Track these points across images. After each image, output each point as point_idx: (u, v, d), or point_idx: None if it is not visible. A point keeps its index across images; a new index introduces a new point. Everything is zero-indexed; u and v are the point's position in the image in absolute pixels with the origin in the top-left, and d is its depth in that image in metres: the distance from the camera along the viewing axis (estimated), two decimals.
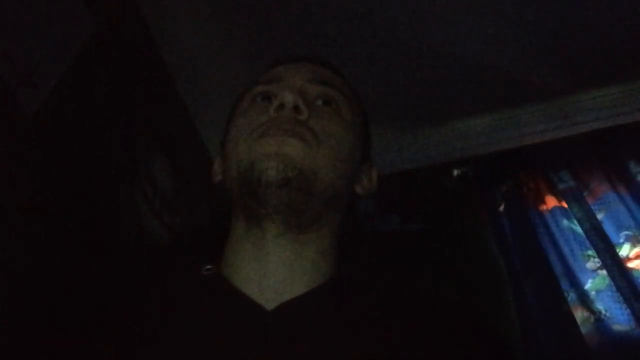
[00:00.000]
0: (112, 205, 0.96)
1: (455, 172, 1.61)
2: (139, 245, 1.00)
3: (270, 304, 0.57)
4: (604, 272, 1.37)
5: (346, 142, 0.63)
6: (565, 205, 1.50)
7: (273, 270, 0.59)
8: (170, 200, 1.15)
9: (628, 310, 1.32)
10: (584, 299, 1.38)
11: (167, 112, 1.28)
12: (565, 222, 1.49)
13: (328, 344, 0.54)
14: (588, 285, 1.40)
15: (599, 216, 1.45)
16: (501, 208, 1.56)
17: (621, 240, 1.43)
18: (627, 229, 1.43)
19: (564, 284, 1.40)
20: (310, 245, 0.61)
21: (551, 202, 1.53)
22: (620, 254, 1.39)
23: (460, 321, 0.60)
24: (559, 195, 1.52)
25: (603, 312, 1.36)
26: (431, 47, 1.37)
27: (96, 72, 0.99)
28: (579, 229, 1.45)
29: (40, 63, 0.84)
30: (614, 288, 1.35)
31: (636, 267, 1.39)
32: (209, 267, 0.62)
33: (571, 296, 1.39)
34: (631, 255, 1.41)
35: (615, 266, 1.35)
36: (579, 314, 1.36)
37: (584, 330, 1.33)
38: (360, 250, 0.71)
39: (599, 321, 1.35)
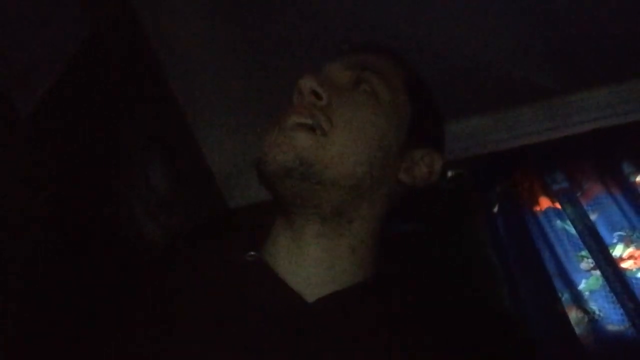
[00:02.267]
0: (108, 206, 0.96)
1: (450, 173, 1.61)
2: (136, 246, 1.00)
3: (310, 296, 0.57)
4: (598, 272, 1.38)
5: (375, 126, 0.60)
6: (558, 206, 1.50)
7: (307, 263, 0.60)
8: (167, 201, 1.15)
9: (622, 310, 1.33)
10: (578, 299, 1.39)
11: (164, 113, 1.28)
12: (558, 222, 1.49)
13: (366, 341, 0.54)
14: (582, 285, 1.41)
15: (593, 217, 1.46)
16: (495, 209, 1.57)
17: (614, 241, 1.44)
18: (620, 230, 1.44)
19: (558, 284, 1.40)
20: (341, 239, 0.61)
21: (545, 203, 1.53)
22: (613, 254, 1.40)
23: (466, 321, 0.61)
24: (552, 196, 1.52)
25: (597, 312, 1.36)
26: (426, 47, 1.38)
27: (92, 74, 0.99)
28: (572, 230, 1.45)
29: (35, 64, 0.84)
30: (607, 288, 1.36)
31: (629, 268, 1.39)
32: (252, 253, 0.62)
33: (565, 296, 1.39)
34: (624, 255, 1.42)
35: (609, 266, 1.36)
36: (573, 314, 1.37)
37: (578, 330, 1.33)
38: (394, 250, 0.70)
39: (593, 321, 1.36)
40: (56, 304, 0.75)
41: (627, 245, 1.42)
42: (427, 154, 0.67)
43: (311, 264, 0.59)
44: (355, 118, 0.59)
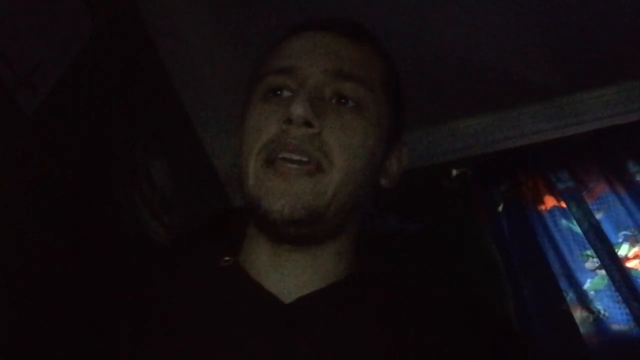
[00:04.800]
0: (111, 205, 0.96)
1: (454, 172, 1.61)
2: (137, 245, 1.00)
3: (287, 298, 0.57)
4: (603, 271, 1.37)
5: (366, 147, 0.58)
6: (564, 205, 1.50)
7: (289, 269, 0.59)
8: (169, 201, 1.15)
9: (627, 310, 1.32)
10: (583, 299, 1.39)
11: (166, 112, 1.28)
12: (564, 221, 1.49)
13: (345, 338, 0.54)
14: (587, 285, 1.40)
15: (598, 216, 1.45)
16: (500, 208, 1.56)
17: (620, 240, 1.43)
18: (625, 229, 1.44)
19: (563, 283, 1.40)
20: (327, 250, 0.61)
21: (550, 202, 1.53)
22: (618, 253, 1.40)
23: (467, 321, 0.61)
24: (557, 195, 1.52)
25: (602, 311, 1.36)
26: (430, 47, 1.37)
27: (95, 73, 0.99)
28: (577, 229, 1.45)
29: (39, 63, 0.83)
30: (612, 288, 1.36)
31: (635, 267, 1.39)
32: (227, 258, 0.62)
33: (570, 296, 1.39)
34: (630, 255, 1.41)
35: (614, 266, 1.36)
36: (578, 313, 1.37)
37: (582, 329, 1.33)
38: (376, 248, 0.69)
39: (598, 321, 1.36)
40: (56, 305, 0.75)
41: (632, 245, 1.41)
42: (397, 148, 0.66)
43: (292, 271, 0.59)
44: (349, 145, 0.57)
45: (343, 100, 0.59)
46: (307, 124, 0.55)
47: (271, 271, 0.59)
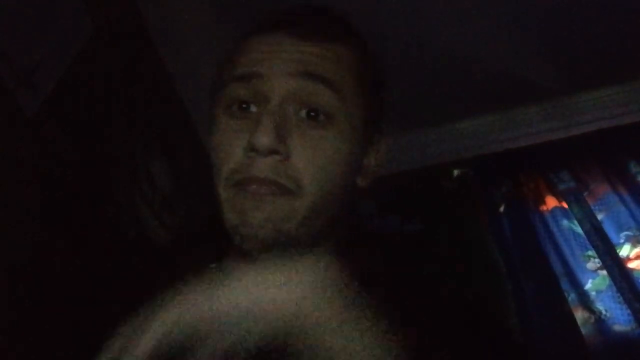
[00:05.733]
0: (111, 205, 0.96)
1: (455, 173, 1.61)
2: (137, 245, 1.00)
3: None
4: (605, 272, 1.37)
5: (338, 162, 0.57)
6: (565, 205, 1.50)
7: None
8: (170, 200, 1.15)
9: (628, 311, 1.32)
10: (585, 300, 1.38)
11: (167, 112, 1.28)
12: (565, 222, 1.49)
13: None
14: (588, 285, 1.40)
15: (599, 216, 1.45)
16: (501, 209, 1.56)
17: (621, 241, 1.43)
18: (627, 230, 1.43)
19: (564, 284, 1.40)
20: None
21: (551, 202, 1.53)
22: (620, 254, 1.40)
23: (467, 322, 0.60)
24: (559, 196, 1.52)
25: (603, 312, 1.36)
26: (431, 48, 1.37)
27: (95, 73, 0.99)
28: (579, 230, 1.45)
29: (39, 64, 0.83)
30: (614, 288, 1.35)
31: (636, 268, 1.39)
32: (212, 265, 0.62)
33: (571, 296, 1.39)
34: (631, 255, 1.41)
35: (616, 266, 1.36)
36: (579, 314, 1.36)
37: (584, 330, 1.33)
38: (365, 250, 0.69)
39: (599, 321, 1.35)
40: (56, 305, 0.75)
41: (634, 245, 1.41)
42: (376, 142, 0.63)
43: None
44: (318, 168, 0.55)
45: (312, 114, 0.56)
46: (273, 151, 0.54)
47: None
